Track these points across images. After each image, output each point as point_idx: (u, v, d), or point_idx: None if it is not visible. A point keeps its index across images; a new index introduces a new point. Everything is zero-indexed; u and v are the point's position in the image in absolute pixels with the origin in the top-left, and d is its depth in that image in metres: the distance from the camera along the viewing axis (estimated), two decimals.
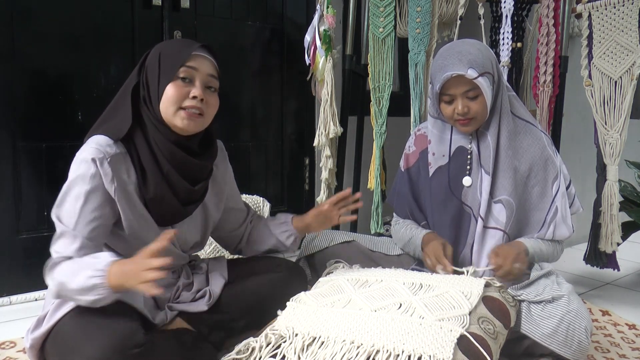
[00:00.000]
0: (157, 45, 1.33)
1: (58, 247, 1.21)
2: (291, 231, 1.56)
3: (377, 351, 1.12)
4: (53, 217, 1.22)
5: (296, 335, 1.21)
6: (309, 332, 1.20)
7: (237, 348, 1.23)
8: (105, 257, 1.15)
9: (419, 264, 1.69)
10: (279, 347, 1.20)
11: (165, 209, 1.31)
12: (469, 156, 1.63)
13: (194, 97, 1.25)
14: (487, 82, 1.51)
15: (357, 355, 1.13)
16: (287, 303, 1.34)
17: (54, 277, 1.17)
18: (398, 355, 1.11)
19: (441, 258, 1.51)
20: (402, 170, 1.77)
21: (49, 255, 1.39)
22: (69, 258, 1.19)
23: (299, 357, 1.15)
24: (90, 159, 1.20)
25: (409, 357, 1.10)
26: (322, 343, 1.17)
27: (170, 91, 1.24)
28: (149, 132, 1.27)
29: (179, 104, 1.25)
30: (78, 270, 1.14)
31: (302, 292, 1.39)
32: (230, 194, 1.52)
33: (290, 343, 1.19)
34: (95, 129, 1.28)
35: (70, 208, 1.20)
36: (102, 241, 1.25)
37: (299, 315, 1.29)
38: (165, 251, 1.35)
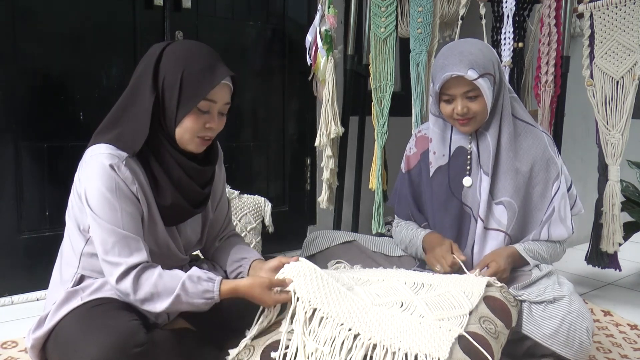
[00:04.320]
0: (174, 49, 1.27)
1: (120, 254, 1.17)
2: (244, 269, 1.46)
3: (374, 345, 1.12)
4: (96, 226, 1.19)
5: (297, 299, 1.20)
6: (310, 301, 1.20)
7: (237, 349, 1.23)
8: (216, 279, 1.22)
9: (421, 265, 1.69)
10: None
11: (177, 212, 1.33)
12: (468, 156, 1.62)
13: (209, 128, 1.28)
14: (487, 83, 1.51)
15: (354, 347, 1.13)
16: (300, 258, 1.32)
17: (147, 293, 1.16)
18: (395, 352, 1.11)
19: (449, 261, 1.50)
20: (404, 172, 1.76)
21: (50, 255, 1.39)
22: (146, 265, 1.18)
23: (304, 330, 1.16)
24: (109, 166, 1.19)
25: (406, 354, 1.10)
26: (322, 319, 1.17)
27: (188, 123, 1.25)
28: (161, 144, 1.27)
29: (196, 134, 1.28)
30: (187, 287, 1.18)
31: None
32: (221, 196, 1.52)
33: (295, 314, 1.19)
34: (104, 134, 1.26)
35: (112, 215, 1.19)
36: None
37: (305, 269, 1.27)
38: (168, 254, 1.36)
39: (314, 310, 1.19)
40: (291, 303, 1.22)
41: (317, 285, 1.24)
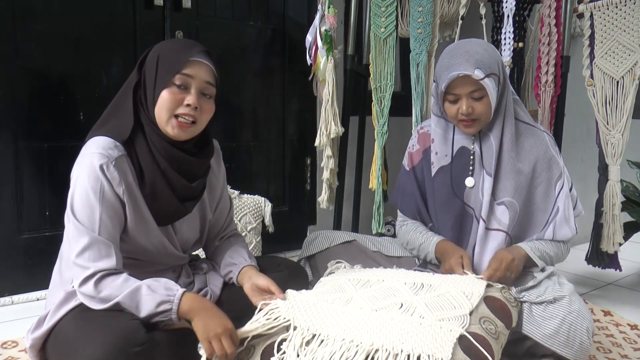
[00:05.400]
0: (158, 43, 1.33)
1: (88, 259, 1.17)
2: (233, 275, 1.45)
3: (376, 350, 1.12)
4: (71, 226, 1.20)
5: (295, 328, 1.21)
6: (308, 328, 1.20)
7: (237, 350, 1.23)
8: (176, 287, 1.21)
9: (422, 265, 1.69)
10: (280, 344, 1.20)
11: (164, 207, 1.31)
12: (471, 157, 1.62)
13: (188, 105, 1.26)
14: (492, 83, 1.51)
15: (355, 353, 1.13)
16: (287, 291, 1.34)
17: (106, 297, 1.16)
18: (397, 354, 1.11)
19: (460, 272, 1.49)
20: (407, 169, 1.75)
21: (50, 255, 1.39)
22: (112, 271, 1.18)
23: (298, 354, 1.15)
24: (98, 167, 1.20)
25: (408, 356, 1.10)
26: (322, 341, 1.17)
27: (164, 98, 1.25)
28: (147, 132, 1.28)
29: (173, 111, 1.26)
30: (145, 295, 1.17)
31: (304, 290, 1.39)
32: (221, 196, 1.51)
33: (290, 340, 1.19)
34: (98, 129, 1.28)
35: (89, 217, 1.19)
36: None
37: (299, 304, 1.28)
38: (165, 253, 1.36)
39: (314, 335, 1.19)
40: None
41: (313, 313, 1.25)
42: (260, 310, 1.27)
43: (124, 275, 1.19)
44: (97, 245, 1.18)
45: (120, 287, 1.17)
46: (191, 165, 1.34)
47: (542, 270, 1.55)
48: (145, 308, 1.17)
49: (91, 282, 1.16)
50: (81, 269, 1.17)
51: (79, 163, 1.23)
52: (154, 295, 1.18)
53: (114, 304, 1.16)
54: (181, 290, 1.20)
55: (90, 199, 1.19)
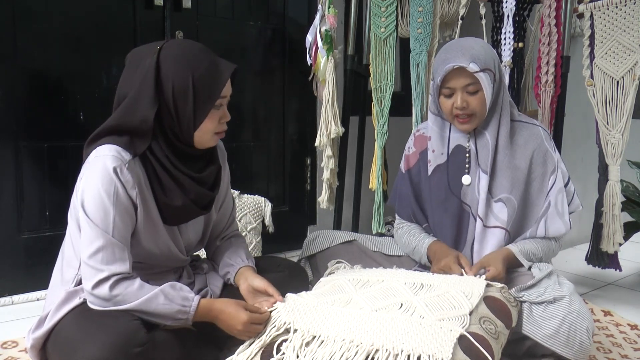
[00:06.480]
0: (171, 55, 1.25)
1: (102, 261, 1.17)
2: (230, 276, 1.45)
3: (377, 350, 1.12)
4: (85, 225, 1.19)
5: (295, 331, 1.21)
6: (308, 330, 1.20)
7: (238, 350, 1.23)
8: (191, 296, 1.23)
9: (422, 266, 1.69)
10: (280, 345, 1.20)
11: (184, 213, 1.34)
12: (467, 155, 1.63)
13: (223, 122, 1.32)
14: (487, 78, 1.52)
15: (355, 354, 1.13)
16: (287, 295, 1.34)
17: (120, 301, 1.16)
18: (397, 354, 1.11)
19: (455, 273, 1.49)
20: (403, 171, 1.77)
21: (50, 255, 1.39)
22: (126, 275, 1.19)
23: (298, 355, 1.15)
24: (112, 169, 1.19)
25: (408, 356, 1.10)
26: (322, 342, 1.17)
27: (208, 125, 1.28)
28: (162, 152, 1.27)
29: (214, 131, 1.31)
30: (162, 304, 1.19)
31: (303, 292, 1.39)
32: (225, 196, 1.52)
33: (290, 341, 1.19)
34: (103, 136, 1.26)
35: (103, 219, 1.19)
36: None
37: (299, 307, 1.28)
38: (169, 256, 1.36)
39: (314, 336, 1.19)
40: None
41: (313, 316, 1.25)
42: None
43: (139, 281, 1.20)
44: (112, 248, 1.18)
45: (136, 294, 1.17)
46: (207, 178, 1.36)
47: (539, 268, 1.54)
48: (162, 316, 1.19)
49: (106, 286, 1.16)
50: (94, 270, 1.17)
51: (91, 165, 1.22)
52: (171, 305, 1.19)
53: (127, 309, 1.16)
54: (196, 299, 1.22)
55: (103, 202, 1.19)
